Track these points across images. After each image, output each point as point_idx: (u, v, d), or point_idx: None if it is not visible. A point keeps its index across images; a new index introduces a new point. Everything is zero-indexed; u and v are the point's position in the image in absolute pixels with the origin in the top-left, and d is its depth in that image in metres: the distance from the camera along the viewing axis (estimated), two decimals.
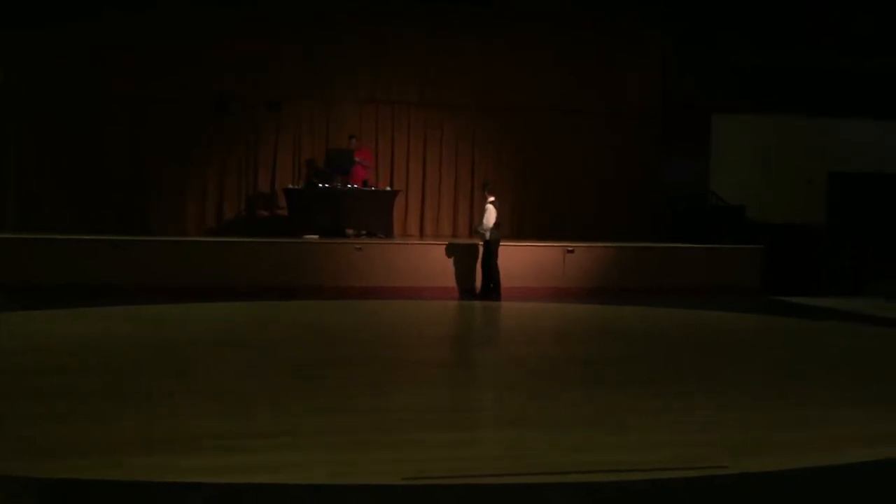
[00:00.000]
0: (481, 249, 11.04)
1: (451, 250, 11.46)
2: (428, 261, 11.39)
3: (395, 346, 7.16)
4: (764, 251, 12.34)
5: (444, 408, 4.83)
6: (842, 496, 3.53)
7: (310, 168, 13.43)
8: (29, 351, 6.34)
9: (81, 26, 12.76)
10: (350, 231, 12.16)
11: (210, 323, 8.26)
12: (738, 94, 14.40)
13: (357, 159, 12.53)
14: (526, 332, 8.19)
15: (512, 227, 13.98)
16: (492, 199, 10.94)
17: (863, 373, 6.31)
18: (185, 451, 3.73)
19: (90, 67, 12.77)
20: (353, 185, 12.23)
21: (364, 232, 12.19)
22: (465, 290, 11.31)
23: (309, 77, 13.52)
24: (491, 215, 10.83)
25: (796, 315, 9.94)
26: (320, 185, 12.18)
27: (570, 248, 11.78)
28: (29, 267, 10.29)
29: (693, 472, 3.63)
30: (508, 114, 14.19)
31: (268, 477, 3.43)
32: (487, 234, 10.88)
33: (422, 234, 13.80)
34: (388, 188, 12.94)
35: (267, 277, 10.84)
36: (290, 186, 12.58)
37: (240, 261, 10.94)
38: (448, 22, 13.84)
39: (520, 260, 11.60)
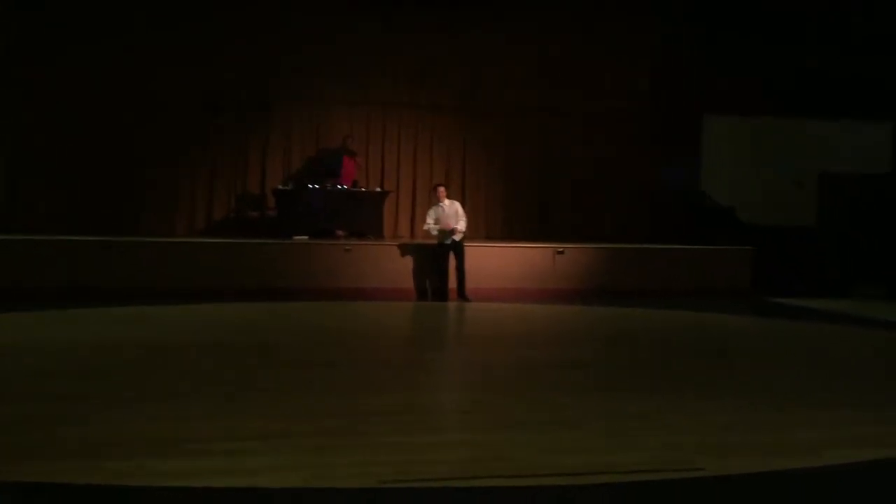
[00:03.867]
0: (456, 250, 10.92)
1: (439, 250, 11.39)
2: (418, 262, 11.34)
3: (378, 348, 7.16)
4: (754, 252, 12.34)
5: (424, 410, 4.79)
6: (822, 498, 3.51)
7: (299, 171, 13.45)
8: (11, 354, 6.30)
9: (72, 25, 12.72)
10: (340, 232, 12.14)
11: (196, 324, 8.23)
12: (726, 96, 14.37)
13: (352, 151, 12.56)
14: (512, 334, 8.16)
15: (501, 228, 14.02)
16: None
17: (847, 374, 6.30)
18: (161, 455, 3.69)
19: (79, 67, 12.74)
20: (343, 186, 12.22)
21: (354, 233, 12.17)
22: (430, 291, 11.25)
23: (299, 78, 13.52)
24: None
25: (785, 316, 9.94)
26: (310, 185, 12.16)
27: (559, 250, 11.76)
28: (16, 268, 10.23)
29: (673, 474, 3.61)
30: (498, 115, 14.20)
31: (244, 481, 3.39)
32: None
33: (412, 235, 13.78)
34: (379, 189, 12.92)
35: (256, 278, 10.80)
36: (280, 187, 12.55)
37: (229, 262, 10.89)
38: (437, 24, 13.85)
39: (509, 261, 11.59)
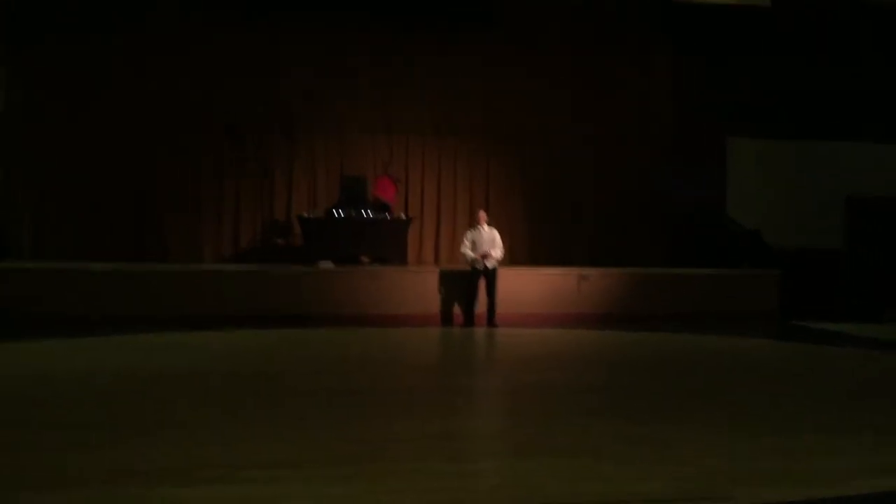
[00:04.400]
0: (488, 277, 10.83)
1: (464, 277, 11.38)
2: (443, 288, 11.36)
3: (404, 374, 7.14)
4: (781, 276, 12.22)
5: (446, 437, 4.78)
6: None
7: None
8: (33, 381, 6.37)
9: (95, 50, 13.00)
10: (364, 259, 12.20)
11: (218, 351, 8.27)
12: (752, 118, 14.33)
13: (395, 177, 13.01)
14: (535, 359, 8.13)
15: (526, 253, 14.00)
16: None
17: (875, 401, 6.20)
18: (181, 482, 3.73)
19: (104, 91, 13.01)
20: (367, 213, 12.29)
21: (378, 259, 12.23)
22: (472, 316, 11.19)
23: (322, 106, 13.69)
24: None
25: (813, 341, 9.80)
26: (335, 213, 12.27)
27: (584, 275, 11.73)
28: (42, 297, 10.34)
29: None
30: (520, 139, 14.25)
31: None
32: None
33: (437, 262, 13.80)
34: (402, 216, 12.98)
35: (281, 305, 10.86)
36: (305, 215, 12.67)
37: (254, 289, 10.98)
38: (458, 50, 13.96)
39: (534, 286, 11.58)
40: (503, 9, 13.51)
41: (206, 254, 13.36)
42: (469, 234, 11.01)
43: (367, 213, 12.34)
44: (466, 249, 10.88)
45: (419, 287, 11.34)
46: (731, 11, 13.19)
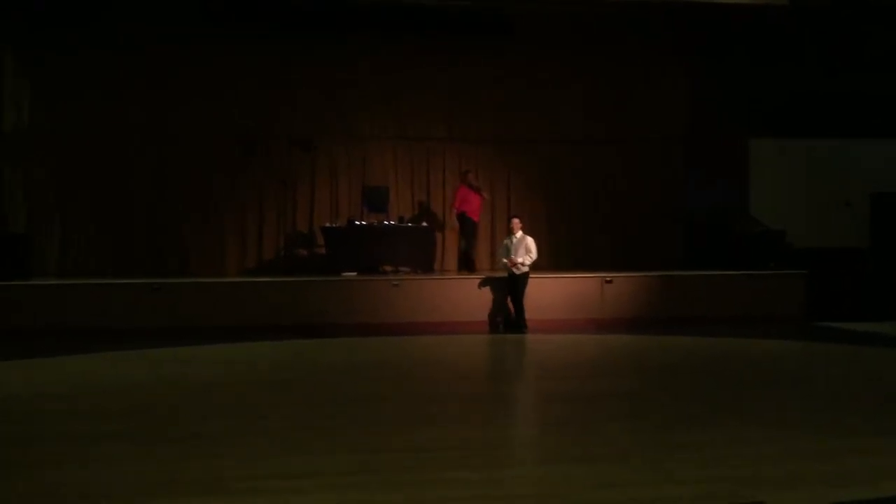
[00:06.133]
0: (516, 282, 10.97)
1: (486, 284, 11.45)
2: (465, 295, 11.39)
3: (428, 383, 7.15)
4: (808, 276, 12.08)
5: (474, 444, 4.78)
6: None
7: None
8: (60, 396, 6.44)
9: (114, 62, 13.19)
10: (387, 268, 12.24)
11: (245, 362, 8.33)
12: (773, 118, 14.24)
13: (476, 186, 12.75)
14: (562, 365, 8.11)
15: (548, 258, 13.95)
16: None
17: None
18: (210, 493, 3.76)
19: (124, 106, 13.22)
20: (390, 222, 12.34)
21: (402, 268, 12.26)
22: (500, 323, 11.27)
23: (341, 116, 13.82)
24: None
25: (842, 341, 9.69)
26: (357, 222, 12.34)
27: (608, 279, 11.69)
28: (69, 311, 10.50)
29: None
30: (540, 145, 14.25)
31: None
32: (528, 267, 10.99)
33: (459, 270, 13.79)
34: (424, 224, 12.98)
35: (306, 315, 10.94)
36: (328, 225, 12.73)
37: (279, 300, 11.06)
38: (474, 56, 13.91)
39: (558, 291, 11.56)
40: (517, 18, 13.49)
41: (229, 266, 13.48)
42: (505, 241, 11.28)
43: (389, 222, 12.41)
44: (500, 257, 11.20)
45: (441, 295, 11.37)
46: (748, 10, 13.07)
